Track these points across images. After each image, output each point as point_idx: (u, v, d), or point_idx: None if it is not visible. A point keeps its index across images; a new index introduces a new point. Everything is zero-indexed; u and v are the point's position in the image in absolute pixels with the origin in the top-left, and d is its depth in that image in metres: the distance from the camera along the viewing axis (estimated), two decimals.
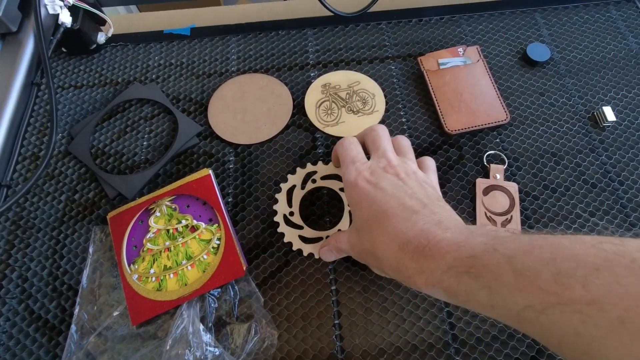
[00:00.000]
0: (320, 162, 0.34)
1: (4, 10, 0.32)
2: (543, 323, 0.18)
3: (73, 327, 0.31)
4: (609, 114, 0.39)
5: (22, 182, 0.37)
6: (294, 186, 0.35)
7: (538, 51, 0.43)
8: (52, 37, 0.35)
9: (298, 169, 0.35)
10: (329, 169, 0.34)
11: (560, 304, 0.17)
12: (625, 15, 0.46)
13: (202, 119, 0.41)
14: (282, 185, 0.35)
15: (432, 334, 0.31)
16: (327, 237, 0.33)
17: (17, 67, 0.32)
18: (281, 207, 0.35)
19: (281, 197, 0.35)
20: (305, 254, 0.33)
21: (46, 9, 0.36)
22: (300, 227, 0.34)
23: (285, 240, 0.34)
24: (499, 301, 0.20)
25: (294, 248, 0.33)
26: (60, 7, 0.37)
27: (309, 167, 0.34)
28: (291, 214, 0.35)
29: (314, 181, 0.35)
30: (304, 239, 0.34)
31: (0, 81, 0.31)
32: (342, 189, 0.35)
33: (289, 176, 0.35)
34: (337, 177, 0.34)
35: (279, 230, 0.34)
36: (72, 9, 0.39)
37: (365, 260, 0.29)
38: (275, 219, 0.34)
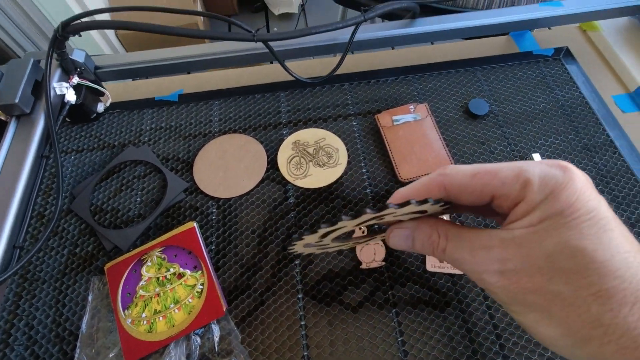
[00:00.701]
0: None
1: (20, 96, 0.38)
2: None
3: None
4: (537, 159, 0.45)
5: (30, 239, 0.42)
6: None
7: (478, 106, 0.50)
8: (59, 115, 0.42)
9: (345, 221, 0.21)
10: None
11: None
12: (553, 72, 0.54)
13: (188, 176, 0.46)
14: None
15: None
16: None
17: (30, 144, 0.38)
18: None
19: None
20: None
21: (55, 91, 0.42)
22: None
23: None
24: None
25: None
26: (67, 87, 0.43)
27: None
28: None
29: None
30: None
31: (16, 157, 0.37)
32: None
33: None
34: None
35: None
36: (76, 87, 0.46)
37: (526, 298, 0.18)
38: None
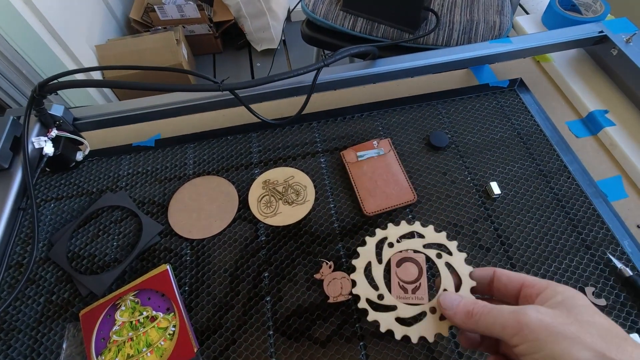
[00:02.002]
0: (390, 224, 0.32)
1: None
2: None
3: None
4: (495, 188, 0.48)
5: (8, 289, 0.43)
6: (369, 263, 0.32)
7: (439, 138, 0.53)
8: (37, 168, 0.44)
9: (368, 238, 0.32)
10: (403, 228, 0.32)
11: None
12: (509, 102, 0.58)
13: (163, 218, 0.48)
14: (356, 263, 0.32)
15: None
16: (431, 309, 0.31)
17: (7, 197, 0.40)
18: (364, 290, 0.31)
19: (359, 278, 0.31)
20: (415, 340, 0.29)
21: (33, 145, 0.45)
22: (394, 308, 0.31)
23: (383, 328, 0.31)
24: None
25: (398, 336, 0.30)
26: (45, 140, 0.46)
27: (380, 233, 0.32)
28: (380, 297, 0.31)
29: (390, 245, 0.33)
30: (402, 321, 0.30)
31: None
32: (427, 246, 0.33)
33: (360, 250, 0.32)
34: (415, 235, 0.32)
35: (370, 319, 0.31)
36: (55, 139, 0.48)
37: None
38: (360, 305, 0.31)
